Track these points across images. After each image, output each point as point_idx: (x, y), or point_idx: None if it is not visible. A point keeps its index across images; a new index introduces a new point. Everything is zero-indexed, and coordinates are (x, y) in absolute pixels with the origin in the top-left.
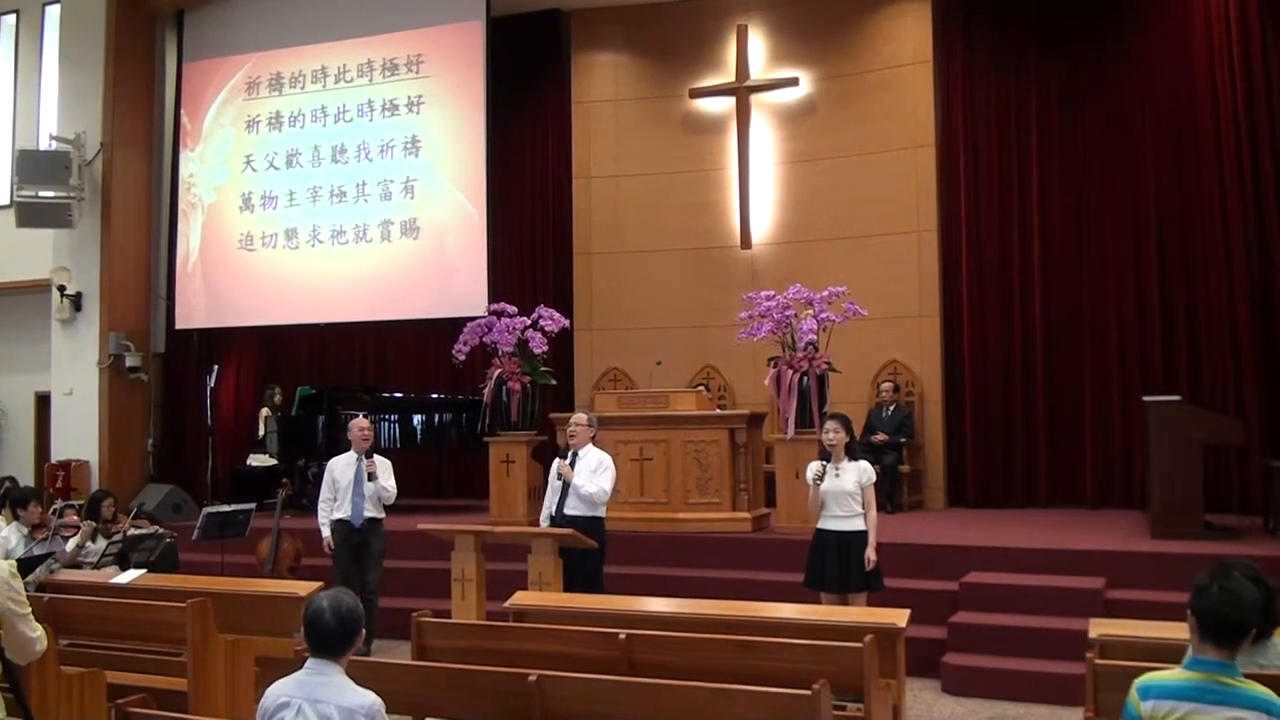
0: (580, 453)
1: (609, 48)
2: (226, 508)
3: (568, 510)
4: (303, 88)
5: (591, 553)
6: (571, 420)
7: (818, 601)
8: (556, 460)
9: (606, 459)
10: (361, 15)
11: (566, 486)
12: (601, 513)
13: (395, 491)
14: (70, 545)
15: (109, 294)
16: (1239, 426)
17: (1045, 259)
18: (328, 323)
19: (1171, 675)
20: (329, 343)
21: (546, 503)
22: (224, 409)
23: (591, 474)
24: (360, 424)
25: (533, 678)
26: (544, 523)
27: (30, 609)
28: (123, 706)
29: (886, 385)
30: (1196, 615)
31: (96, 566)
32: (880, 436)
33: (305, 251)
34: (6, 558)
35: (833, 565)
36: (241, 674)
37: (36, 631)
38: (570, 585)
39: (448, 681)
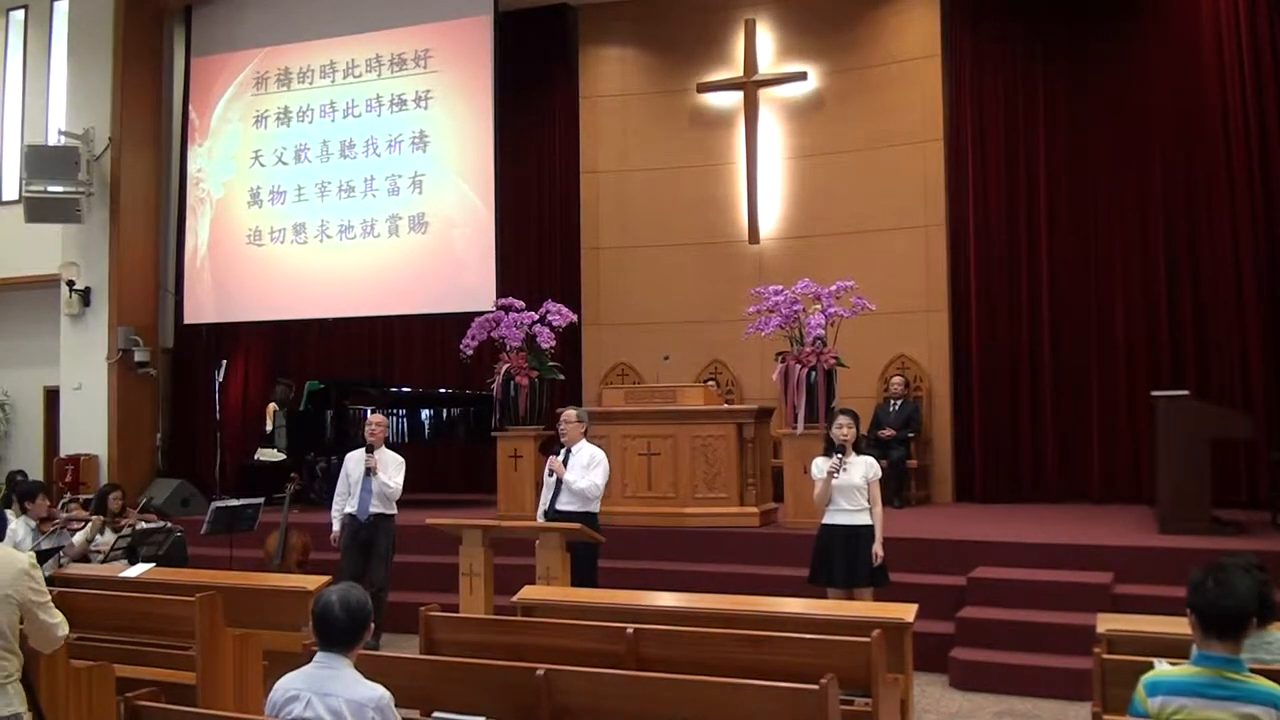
0: (574, 449)
1: (617, 42)
2: (235, 502)
3: (560, 506)
4: (311, 83)
5: (585, 547)
6: (561, 418)
7: (824, 598)
8: (550, 457)
9: (599, 454)
10: (369, 10)
11: (560, 482)
12: (595, 508)
13: (398, 488)
14: (78, 538)
15: (118, 289)
16: (1247, 421)
17: (1053, 253)
18: (335, 318)
19: (1178, 671)
20: (337, 338)
21: (542, 498)
22: (232, 403)
23: (584, 469)
24: (373, 419)
25: (540, 672)
26: (540, 519)
27: (50, 597)
28: (131, 700)
29: (895, 380)
30: (1196, 612)
31: (105, 560)
32: (887, 432)
33: (313, 246)
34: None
35: (840, 560)
36: (250, 668)
37: (57, 618)
38: None
39: (456, 675)
